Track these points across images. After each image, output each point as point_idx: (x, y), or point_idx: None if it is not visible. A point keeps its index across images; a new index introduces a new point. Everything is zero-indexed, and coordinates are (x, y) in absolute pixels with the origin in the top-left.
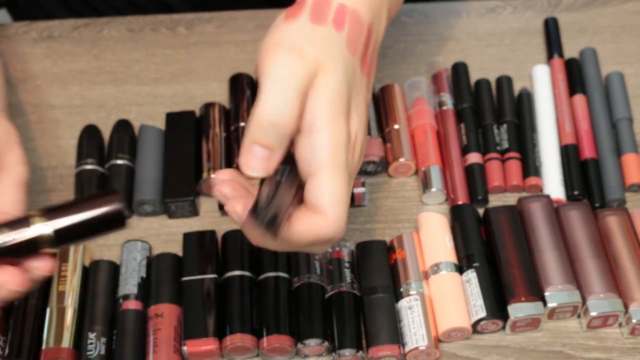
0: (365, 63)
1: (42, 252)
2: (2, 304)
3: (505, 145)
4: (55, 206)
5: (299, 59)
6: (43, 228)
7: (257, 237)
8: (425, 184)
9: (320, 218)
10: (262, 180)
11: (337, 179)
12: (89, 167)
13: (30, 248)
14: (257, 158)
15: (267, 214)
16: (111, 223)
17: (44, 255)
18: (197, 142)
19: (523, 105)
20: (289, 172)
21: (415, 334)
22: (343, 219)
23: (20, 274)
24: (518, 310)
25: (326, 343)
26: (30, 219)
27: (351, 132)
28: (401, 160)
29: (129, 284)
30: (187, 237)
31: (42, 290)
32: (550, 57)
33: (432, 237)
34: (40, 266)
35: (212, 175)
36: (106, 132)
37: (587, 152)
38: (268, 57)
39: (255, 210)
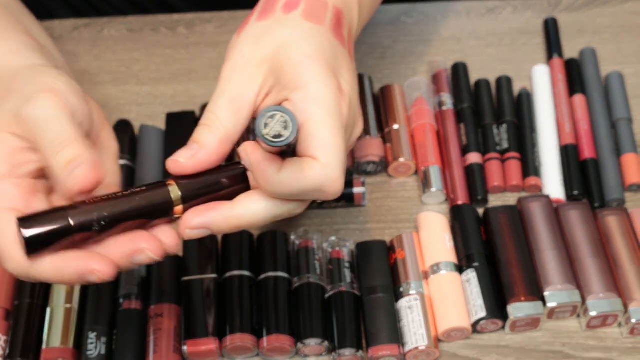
0: (339, 34)
1: (172, 218)
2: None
3: (505, 145)
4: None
5: (237, 62)
6: (173, 189)
7: (261, 161)
8: (425, 184)
9: (313, 162)
10: None
11: (328, 125)
12: None
13: (162, 209)
14: (187, 149)
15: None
16: (236, 191)
17: (172, 231)
18: None
19: (523, 105)
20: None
21: (415, 334)
22: (337, 165)
23: (158, 242)
24: (518, 310)
25: (326, 343)
26: (162, 183)
27: (342, 89)
28: (401, 160)
29: (129, 283)
30: None
31: (42, 290)
32: (550, 57)
33: (432, 237)
34: (169, 242)
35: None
36: None
37: (587, 152)
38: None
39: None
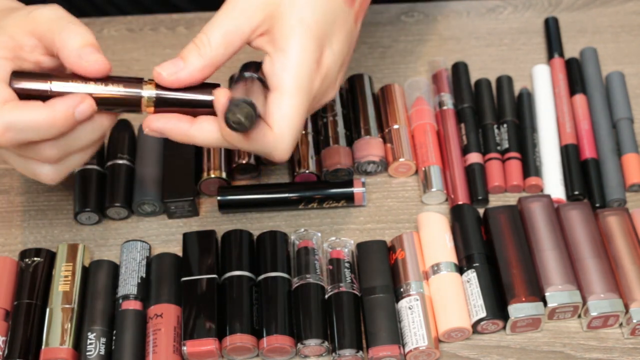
0: None
1: (143, 110)
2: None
3: (506, 145)
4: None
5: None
6: (148, 92)
7: (227, 130)
8: (425, 184)
9: (268, 129)
10: (235, 82)
11: (293, 99)
12: (89, 166)
13: (133, 104)
14: (171, 63)
15: (245, 104)
16: (204, 112)
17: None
18: None
19: (523, 105)
20: (259, 80)
21: (415, 334)
22: (288, 138)
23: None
24: (518, 310)
25: (326, 343)
26: (142, 82)
27: (322, 62)
28: (401, 160)
29: (129, 284)
30: (187, 237)
31: (42, 290)
32: (550, 56)
33: (432, 237)
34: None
35: (213, 176)
36: None
37: (588, 152)
38: None
39: (234, 99)
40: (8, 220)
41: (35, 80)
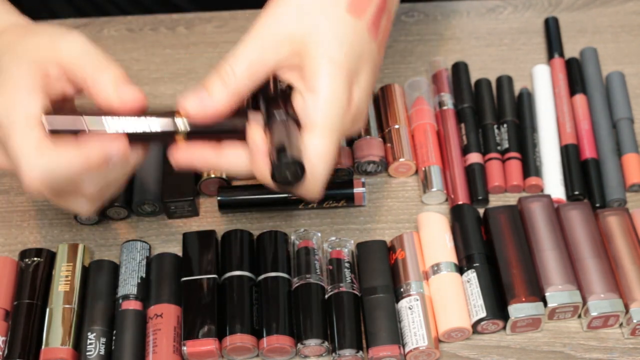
0: (376, 27)
1: (175, 141)
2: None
3: (506, 145)
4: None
5: (272, 24)
6: (182, 125)
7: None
8: (426, 184)
9: None
10: (269, 127)
11: (325, 140)
12: None
13: (168, 138)
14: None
15: (293, 161)
16: (235, 135)
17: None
18: None
19: (523, 105)
20: (293, 120)
21: (415, 334)
22: (320, 177)
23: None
24: (518, 310)
25: (326, 343)
26: (175, 114)
27: (352, 100)
28: (401, 160)
29: (129, 284)
30: (187, 237)
31: (42, 290)
32: (550, 56)
33: (432, 237)
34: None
35: (213, 176)
36: None
37: (588, 152)
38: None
39: (283, 151)
40: (8, 220)
41: (69, 121)
